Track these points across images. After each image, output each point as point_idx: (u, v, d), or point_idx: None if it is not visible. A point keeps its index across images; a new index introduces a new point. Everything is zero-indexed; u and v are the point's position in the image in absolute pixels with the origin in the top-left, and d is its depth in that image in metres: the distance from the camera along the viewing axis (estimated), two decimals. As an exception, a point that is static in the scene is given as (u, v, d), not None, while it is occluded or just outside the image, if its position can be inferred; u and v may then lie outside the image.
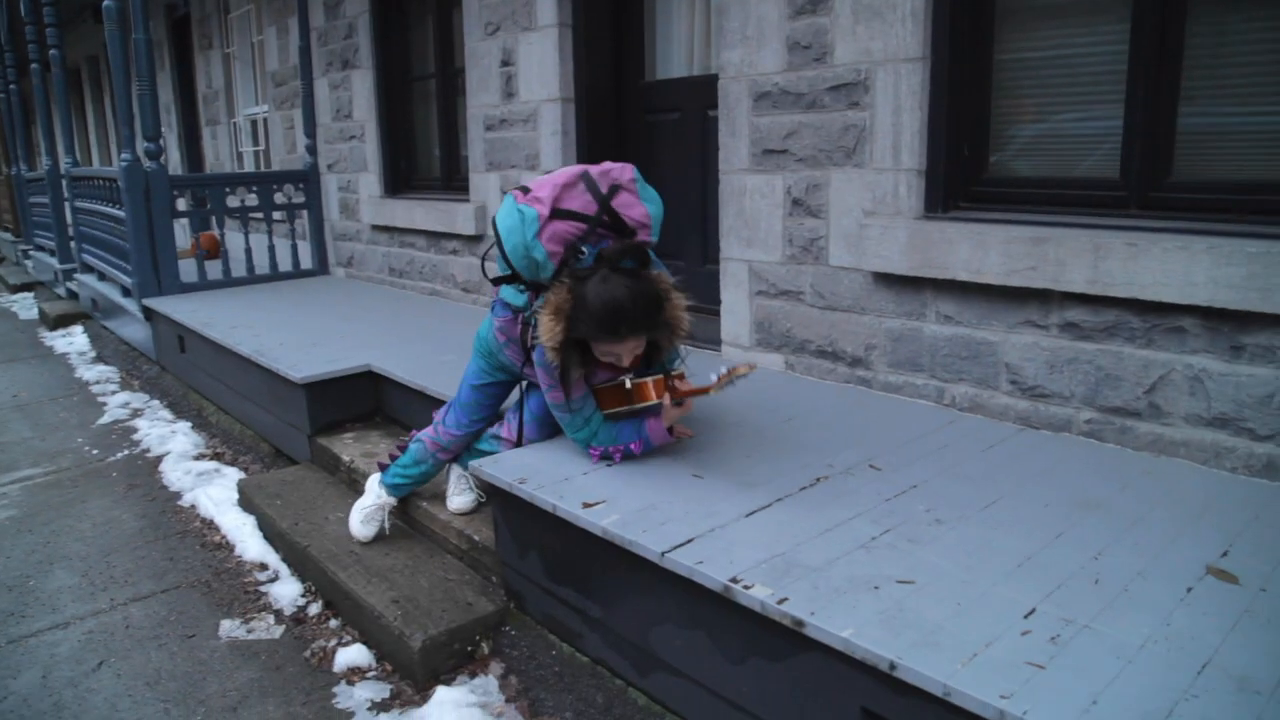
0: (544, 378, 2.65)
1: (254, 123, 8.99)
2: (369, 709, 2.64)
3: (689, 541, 2.17)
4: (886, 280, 3.32)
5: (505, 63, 4.97)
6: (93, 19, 12.76)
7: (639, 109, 4.76)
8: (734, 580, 1.97)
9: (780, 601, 1.88)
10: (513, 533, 2.74)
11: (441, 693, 2.62)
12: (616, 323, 2.43)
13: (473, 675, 2.71)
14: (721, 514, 2.33)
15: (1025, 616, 1.81)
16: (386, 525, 3.26)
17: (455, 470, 3.22)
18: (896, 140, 3.22)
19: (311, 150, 6.92)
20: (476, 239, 5.31)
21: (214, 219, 6.65)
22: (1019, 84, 3.11)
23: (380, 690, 2.71)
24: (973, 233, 2.99)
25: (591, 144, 4.72)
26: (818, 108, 3.45)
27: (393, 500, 3.27)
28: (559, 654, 2.67)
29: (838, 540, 2.17)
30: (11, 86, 11.45)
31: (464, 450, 3.13)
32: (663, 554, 2.12)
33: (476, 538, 2.98)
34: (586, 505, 2.40)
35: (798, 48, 3.49)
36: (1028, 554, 2.09)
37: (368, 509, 3.25)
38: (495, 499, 2.79)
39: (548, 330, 2.47)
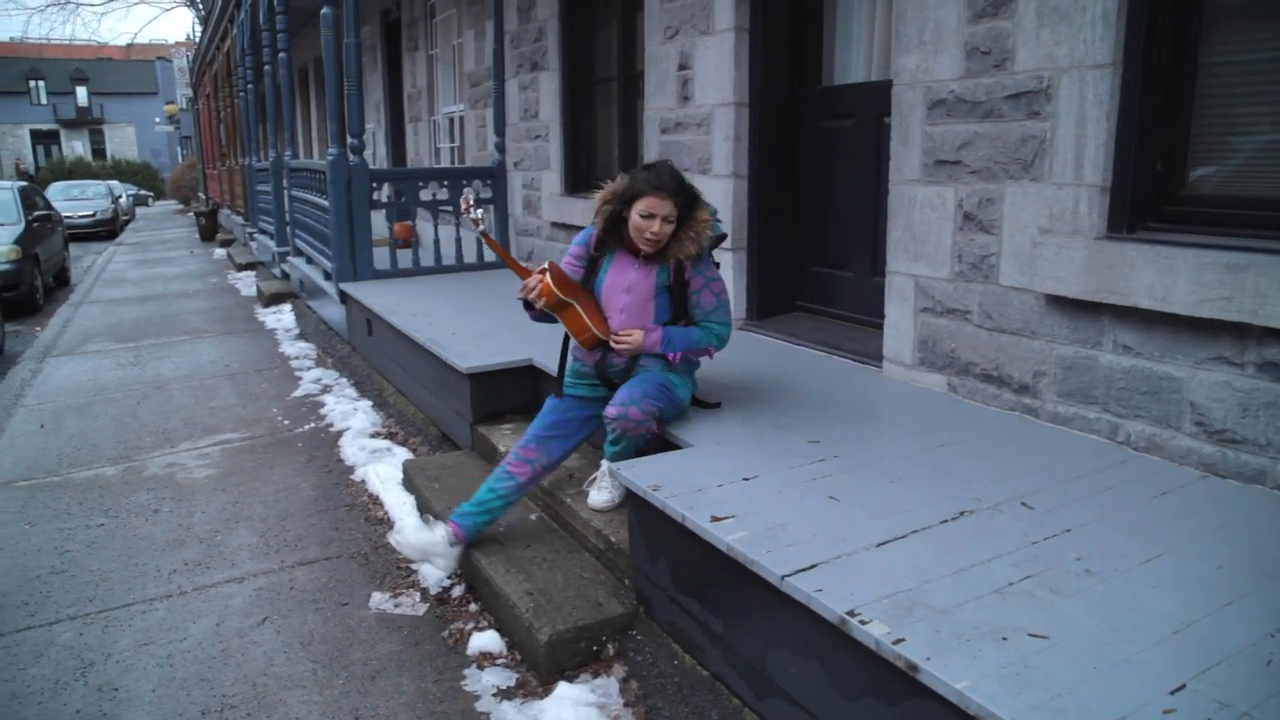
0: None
1: (451, 120, 9.45)
2: (494, 695, 2.73)
3: (812, 567, 2.11)
4: (1060, 303, 3.11)
5: (682, 66, 4.99)
6: (318, 25, 13.78)
7: (814, 114, 4.67)
8: (851, 613, 1.90)
9: (896, 642, 1.80)
10: (645, 538, 2.76)
11: (563, 688, 2.67)
12: (659, 175, 3.06)
13: (595, 675, 2.75)
14: (851, 541, 2.25)
15: (1172, 693, 1.65)
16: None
17: (603, 466, 3.28)
18: (1079, 153, 3.01)
19: (500, 148, 7.21)
20: (645, 240, 5.37)
21: (412, 212, 7.06)
22: (1228, 92, 2.83)
23: (507, 678, 2.80)
24: (1159, 256, 2.75)
25: (764, 149, 4.67)
26: (995, 117, 3.27)
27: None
28: (680, 665, 2.67)
29: (971, 582, 2.05)
30: (249, 86, 12.57)
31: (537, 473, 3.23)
32: (783, 577, 2.07)
33: (614, 539, 3.02)
34: (715, 519, 2.38)
35: (976, 53, 3.32)
36: (1187, 620, 1.90)
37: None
38: (631, 502, 2.81)
39: (599, 200, 3.24)
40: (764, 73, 4.64)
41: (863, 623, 1.87)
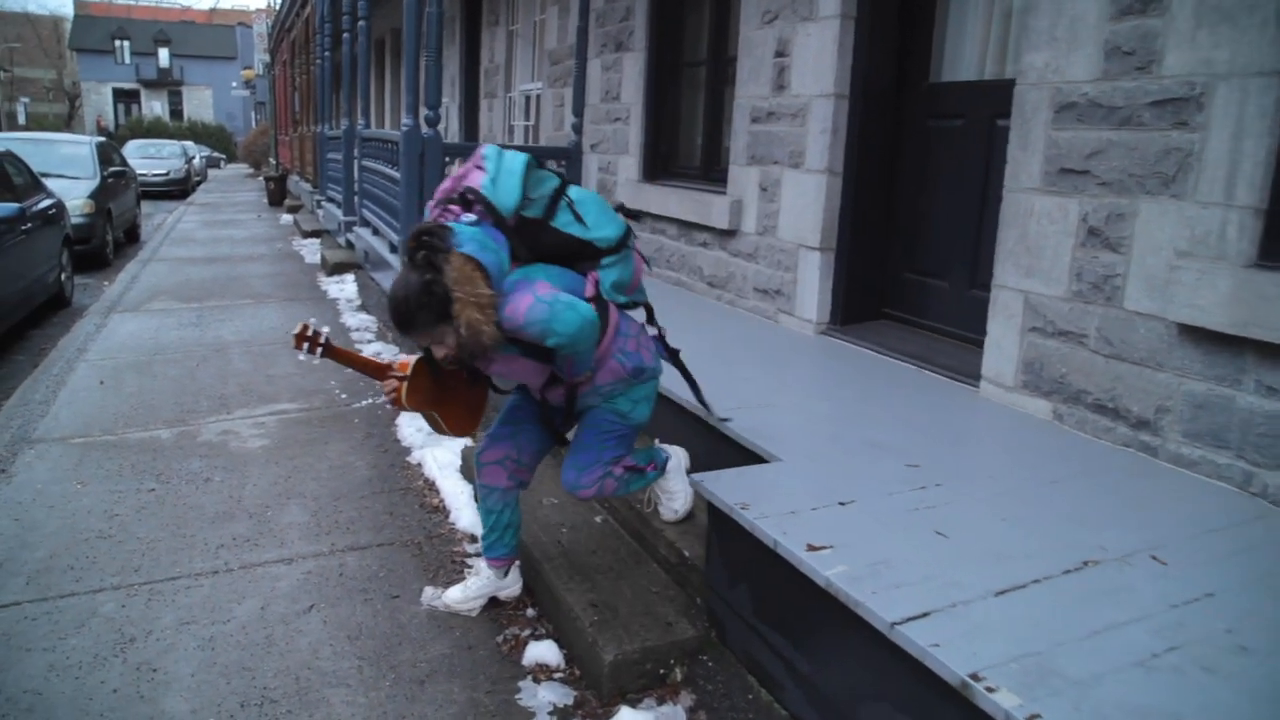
0: None
1: (527, 98, 9.27)
2: (550, 713, 2.54)
3: (925, 615, 1.87)
4: (1195, 335, 2.82)
5: (779, 53, 4.74)
6: (396, -4, 13.73)
7: (918, 112, 4.38)
8: (975, 676, 1.67)
9: (1031, 718, 1.56)
10: (725, 558, 2.54)
11: (626, 713, 2.47)
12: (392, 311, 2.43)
13: (660, 701, 2.54)
14: (966, 586, 2.01)
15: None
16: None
17: (674, 469, 3.06)
18: (1232, 170, 2.71)
19: (577, 129, 6.99)
20: (729, 234, 5.13)
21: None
22: None
23: (564, 695, 2.60)
24: (1323, 292, 2.45)
25: (862, 145, 4.40)
26: (1133, 124, 2.98)
27: None
28: (756, 700, 2.45)
29: (1108, 648, 1.80)
30: (326, 54, 12.53)
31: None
32: (893, 625, 1.84)
33: (687, 553, 2.81)
34: (812, 548, 2.15)
35: (1117, 53, 3.03)
36: (1367, 714, 1.64)
37: None
38: (713, 518, 2.59)
39: None
40: (867, 64, 4.36)
41: (989, 690, 1.63)
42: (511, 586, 3.03)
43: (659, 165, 6.29)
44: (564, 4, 7.67)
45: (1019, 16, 3.53)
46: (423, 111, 6.48)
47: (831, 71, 4.37)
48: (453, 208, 2.53)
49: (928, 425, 3.20)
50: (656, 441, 3.12)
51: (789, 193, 4.66)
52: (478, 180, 2.52)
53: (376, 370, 2.83)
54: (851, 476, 2.66)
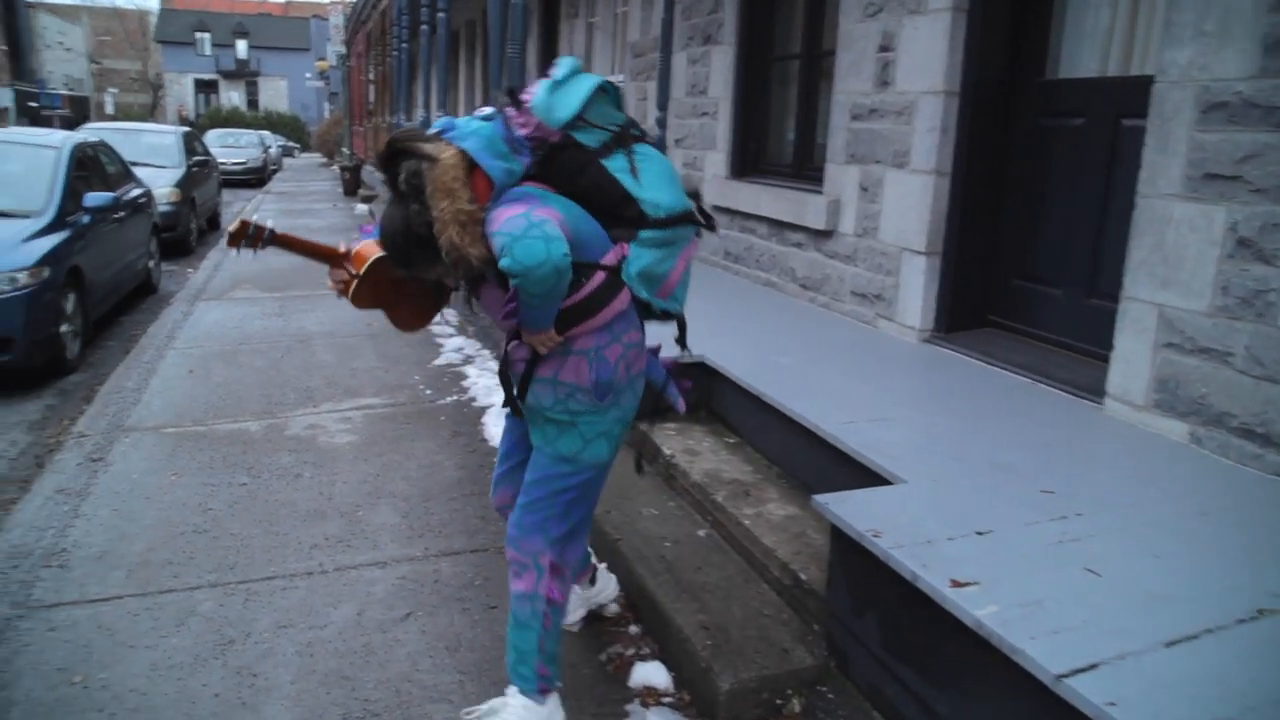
0: None
1: (609, 91, 9.18)
2: (662, 740, 2.43)
3: (1093, 667, 1.72)
4: (1363, 357, 2.60)
5: (884, 48, 4.55)
6: (484, -17, 13.74)
7: (1032, 110, 4.17)
8: (1164, 743, 1.51)
9: (1238, 795, 1.40)
10: (851, 586, 2.40)
11: (742, 744, 2.35)
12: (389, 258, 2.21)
13: (777, 732, 2.42)
14: (1132, 634, 1.84)
15: None
16: None
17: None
18: None
19: (662, 123, 6.85)
20: (826, 234, 4.97)
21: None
22: None
23: (675, 722, 2.50)
24: None
25: (972, 145, 4.20)
26: (1297, 129, 2.76)
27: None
28: (881, 736, 2.31)
29: (1307, 713, 1.62)
30: (404, 46, 12.58)
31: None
32: (1058, 677, 1.69)
33: (803, 576, 2.67)
34: (956, 584, 2.00)
35: (1278, 49, 2.80)
36: None
37: None
38: (836, 543, 2.45)
39: None
40: (979, 60, 4.16)
41: (1182, 759, 1.48)
42: (603, 593, 2.91)
43: (748, 162, 6.14)
44: (649, -4, 7.55)
45: (1159, 9, 3.31)
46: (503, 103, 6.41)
47: (941, 67, 4.18)
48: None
49: (1052, 445, 3.01)
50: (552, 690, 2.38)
51: (892, 193, 4.48)
52: (538, 85, 2.18)
53: (329, 256, 2.43)
54: (983, 502, 2.49)
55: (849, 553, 2.36)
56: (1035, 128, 4.15)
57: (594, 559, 2.92)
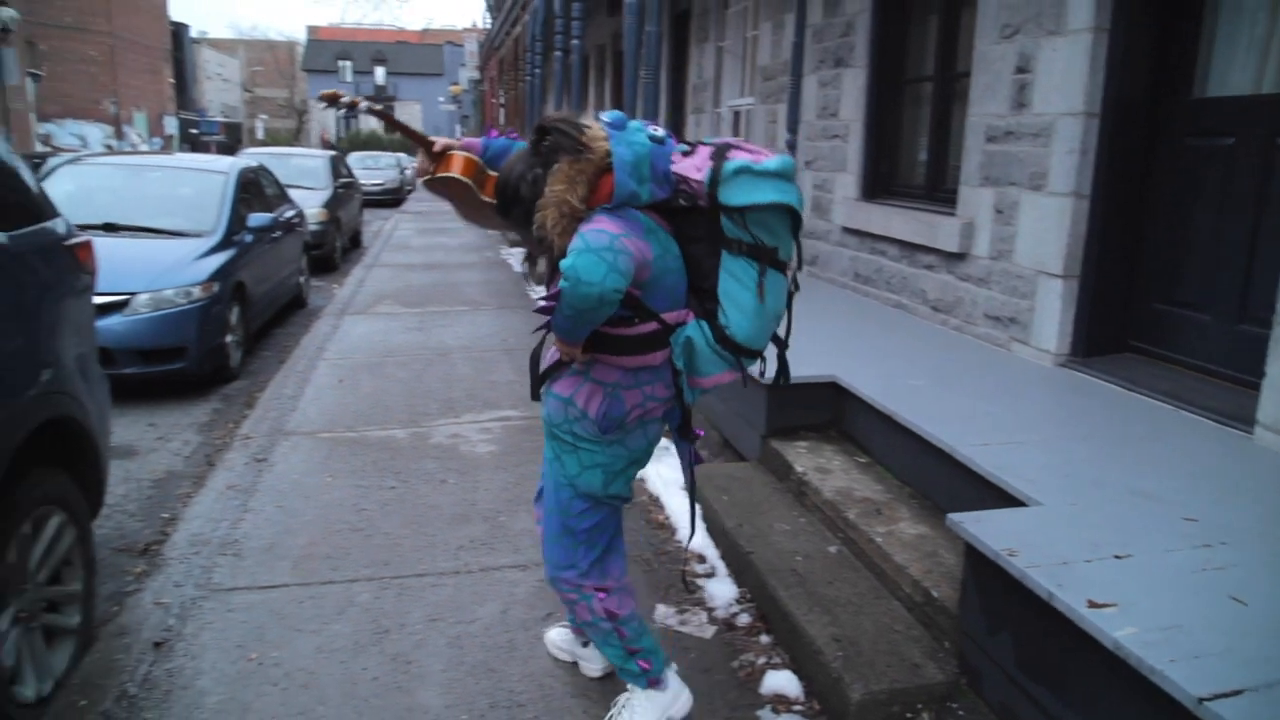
0: None
1: (736, 114, 9.31)
2: (793, 747, 2.51)
3: (1238, 693, 1.72)
4: None
5: (1020, 69, 4.53)
6: (605, 13, 14.13)
7: (1178, 130, 4.08)
8: (1312, 768, 1.52)
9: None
10: (984, 604, 2.43)
11: (872, 754, 2.41)
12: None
13: (907, 745, 2.47)
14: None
15: None
16: None
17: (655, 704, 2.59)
18: None
19: (791, 145, 6.95)
20: (958, 257, 4.95)
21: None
22: None
23: (806, 729, 2.57)
24: None
25: (1112, 167, 4.14)
26: None
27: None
28: (1014, 754, 2.33)
29: None
30: (537, 71, 13.06)
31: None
32: (1200, 700, 1.70)
33: (935, 593, 2.71)
34: (1093, 605, 2.03)
35: None
36: None
37: None
38: (970, 562, 2.49)
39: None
40: (1121, 80, 4.10)
41: (1331, 785, 1.48)
42: (590, 663, 2.82)
43: (879, 184, 6.15)
44: (778, 20, 7.65)
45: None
46: (642, 129, 6.62)
47: (1081, 88, 4.14)
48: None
49: (1196, 473, 2.96)
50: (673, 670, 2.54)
51: (1028, 216, 4.44)
52: (737, 155, 2.10)
53: (420, 142, 2.57)
54: (1122, 527, 2.49)
55: (983, 571, 2.40)
56: (1181, 148, 4.06)
57: None
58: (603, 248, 1.95)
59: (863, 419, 3.81)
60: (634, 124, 2.15)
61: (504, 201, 2.26)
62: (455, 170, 2.45)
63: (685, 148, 2.16)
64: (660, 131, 2.16)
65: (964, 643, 2.53)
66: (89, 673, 2.82)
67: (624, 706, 2.49)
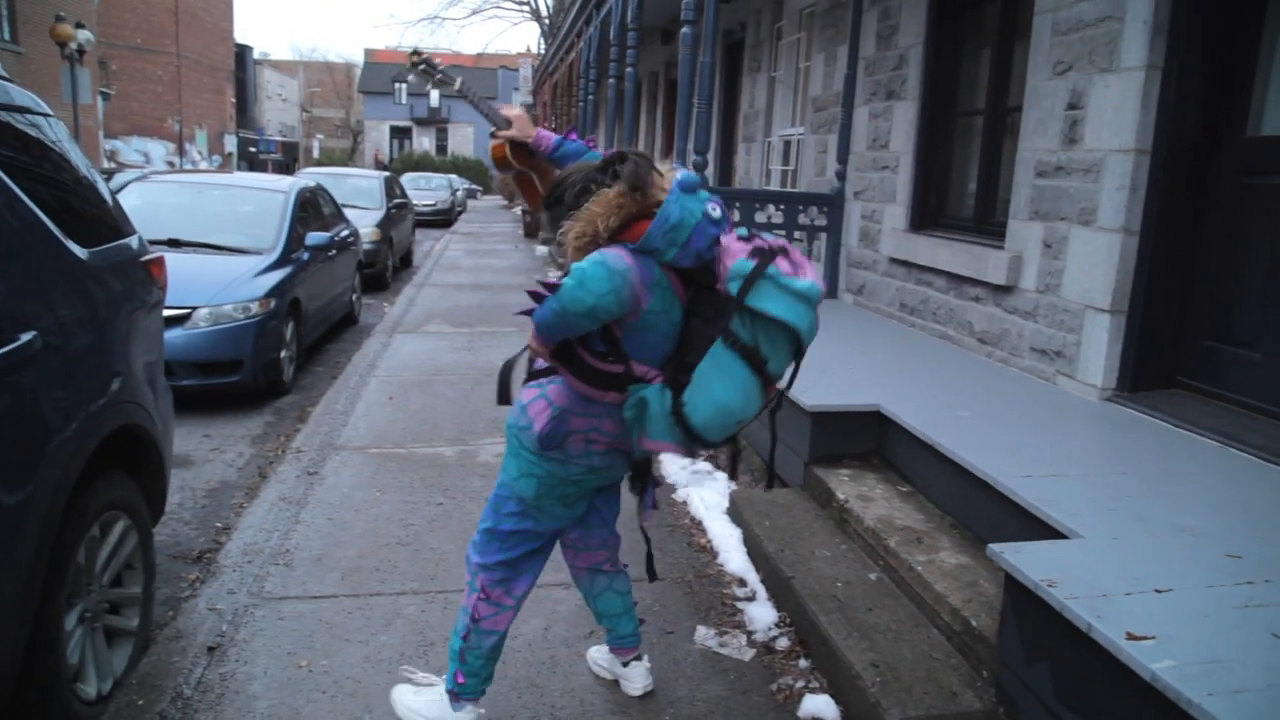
0: None
1: (786, 143, 9.38)
2: (829, 770, 2.54)
3: (1276, 729, 1.73)
4: None
5: (1072, 105, 4.55)
6: (659, 41, 14.32)
7: (1231, 168, 4.07)
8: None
9: None
10: (1023, 634, 2.45)
11: (908, 781, 2.43)
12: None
13: (944, 773, 2.48)
14: (1320, 701, 1.84)
15: None
16: None
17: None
18: None
19: (841, 176, 7.02)
20: (1006, 289, 4.96)
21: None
22: None
23: (843, 754, 2.60)
24: None
25: (1163, 203, 4.14)
26: None
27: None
28: (1051, 786, 2.34)
29: None
30: (590, 97, 13.27)
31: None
32: (1239, 734, 1.71)
33: (974, 623, 2.73)
34: (1132, 637, 2.04)
35: None
36: None
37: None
38: (1010, 592, 2.50)
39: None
40: (1173, 118, 4.10)
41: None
42: (627, 682, 2.86)
43: (928, 216, 6.18)
44: (831, 52, 7.73)
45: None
46: (691, 156, 6.73)
47: (1132, 125, 4.15)
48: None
49: (1243, 511, 2.94)
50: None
51: (1077, 251, 4.45)
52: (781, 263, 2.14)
53: (492, 120, 2.87)
54: (1163, 562, 2.49)
55: (1023, 601, 2.42)
56: (1234, 186, 4.05)
57: (643, 653, 2.90)
58: (616, 271, 2.06)
59: (905, 448, 3.83)
60: (704, 194, 2.19)
61: (549, 198, 2.37)
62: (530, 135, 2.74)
63: (743, 233, 2.19)
64: (719, 213, 2.19)
65: (1002, 672, 2.54)
66: (146, 674, 2.92)
67: (425, 688, 2.69)
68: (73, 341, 2.71)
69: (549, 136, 2.69)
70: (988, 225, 5.49)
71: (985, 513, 3.22)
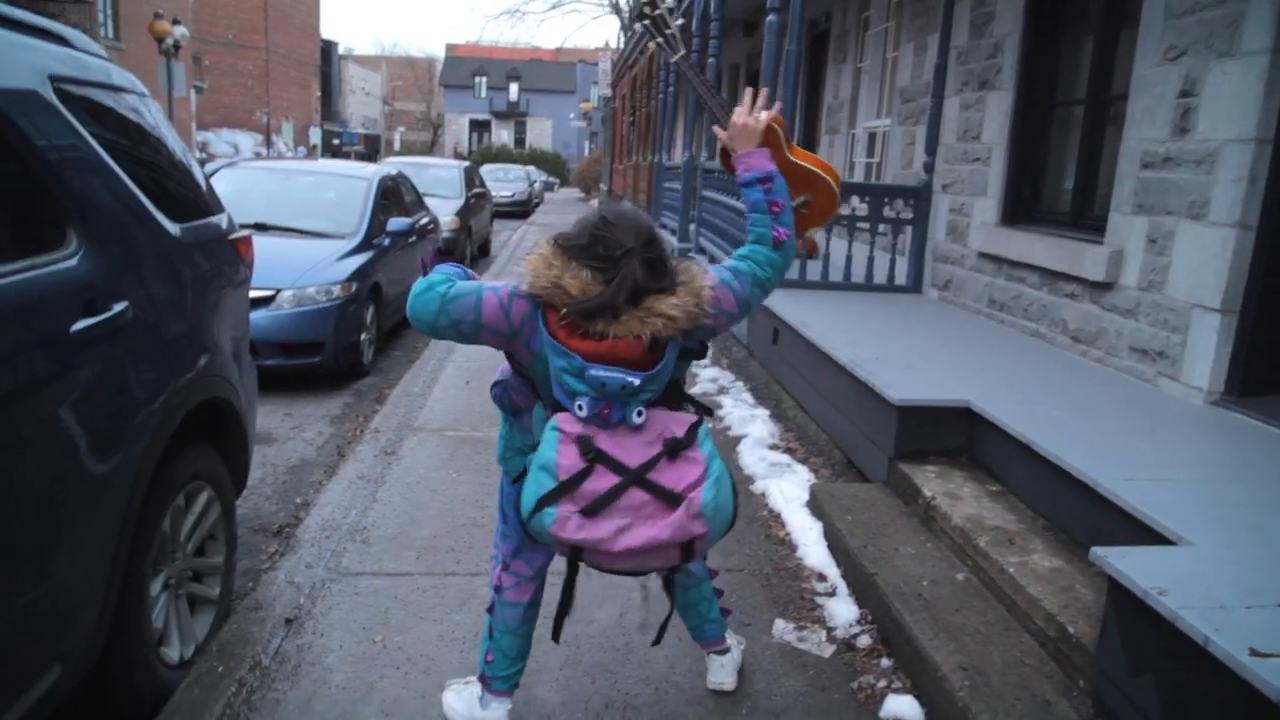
0: None
1: (871, 135, 9.18)
2: (913, 775, 2.43)
3: None
4: None
5: (1184, 93, 4.32)
6: (741, 33, 14.18)
7: (1358, 159, 3.81)
8: None
9: None
10: (1126, 645, 2.30)
11: (998, 792, 2.31)
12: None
13: (1036, 785, 2.36)
14: None
15: None
16: None
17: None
18: None
19: (929, 168, 6.82)
20: (1104, 286, 4.74)
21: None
22: None
23: (927, 759, 2.49)
24: None
25: (1282, 197, 3.90)
26: None
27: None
28: (1155, 806, 2.20)
29: None
30: (670, 89, 13.17)
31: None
32: (1380, 760, 1.57)
33: (1070, 629, 2.58)
34: (1255, 653, 1.89)
35: None
36: None
37: None
38: (1114, 599, 2.36)
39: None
40: (1297, 105, 3.86)
41: None
42: (711, 673, 2.78)
43: (1020, 209, 5.95)
44: (920, 42, 7.52)
45: None
46: (775, 146, 6.59)
47: (1253, 113, 3.91)
48: None
49: (1370, 524, 2.74)
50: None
51: (1184, 246, 4.22)
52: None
53: (717, 109, 2.55)
54: (1284, 573, 2.32)
55: (1128, 609, 2.27)
56: (1361, 180, 3.80)
57: (732, 640, 2.82)
58: (467, 288, 2.13)
59: (996, 446, 3.67)
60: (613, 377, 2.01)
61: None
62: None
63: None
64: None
65: (1101, 683, 2.40)
66: (226, 642, 2.95)
67: (464, 687, 2.64)
68: (163, 314, 2.75)
69: (745, 165, 2.29)
70: (1085, 219, 5.26)
71: (1083, 516, 3.06)
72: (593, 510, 1.98)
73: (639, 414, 2.03)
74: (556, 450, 2.00)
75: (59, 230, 2.36)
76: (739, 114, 2.32)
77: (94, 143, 2.59)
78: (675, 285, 2.06)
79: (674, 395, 2.15)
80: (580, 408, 2.02)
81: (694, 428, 2.06)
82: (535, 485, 2.02)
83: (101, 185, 2.58)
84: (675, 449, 2.02)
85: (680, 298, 2.02)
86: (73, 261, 2.35)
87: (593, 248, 2.05)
